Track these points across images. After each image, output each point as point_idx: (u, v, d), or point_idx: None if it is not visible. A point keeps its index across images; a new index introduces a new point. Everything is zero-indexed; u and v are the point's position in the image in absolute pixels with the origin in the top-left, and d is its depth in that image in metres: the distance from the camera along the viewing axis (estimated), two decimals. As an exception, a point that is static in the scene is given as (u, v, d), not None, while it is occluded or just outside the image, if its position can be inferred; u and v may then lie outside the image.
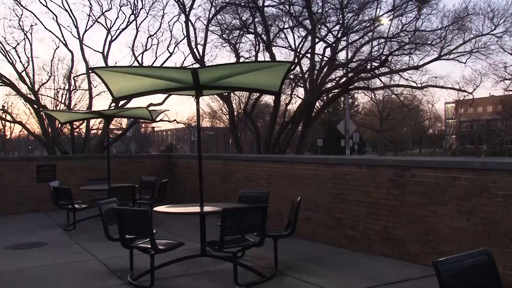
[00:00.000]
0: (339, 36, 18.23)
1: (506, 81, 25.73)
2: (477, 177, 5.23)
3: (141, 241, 5.37)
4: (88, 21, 31.94)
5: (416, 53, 18.75)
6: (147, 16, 28.40)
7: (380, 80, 19.65)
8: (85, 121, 20.01)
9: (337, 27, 18.23)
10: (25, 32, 22.05)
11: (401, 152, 51.94)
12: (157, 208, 6.06)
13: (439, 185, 5.63)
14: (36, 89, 22.57)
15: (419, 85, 19.44)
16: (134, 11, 21.27)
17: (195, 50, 18.31)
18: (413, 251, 5.93)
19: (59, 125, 21.04)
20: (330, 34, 18.35)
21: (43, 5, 29.94)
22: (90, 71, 17.06)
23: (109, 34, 21.38)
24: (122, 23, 21.96)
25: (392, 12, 17.88)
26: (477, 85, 27.30)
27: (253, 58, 18.06)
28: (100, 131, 22.62)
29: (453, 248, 5.36)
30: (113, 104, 16.43)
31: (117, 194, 8.15)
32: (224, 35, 18.43)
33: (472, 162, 5.51)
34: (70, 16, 26.61)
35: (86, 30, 23.28)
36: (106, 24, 21.78)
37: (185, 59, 34.32)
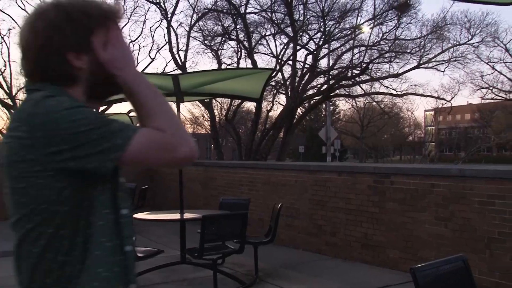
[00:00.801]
0: (320, 43, 18.40)
1: (483, 90, 26.27)
2: (455, 184, 5.30)
3: (119, 249, 5.30)
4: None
5: (396, 61, 19.04)
6: (128, 21, 28.15)
7: (361, 87, 19.87)
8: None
9: (319, 35, 18.42)
10: (2, 36, 21.78)
11: (381, 159, 52.48)
12: (137, 215, 6.00)
13: (418, 192, 5.69)
14: (13, 94, 22.25)
15: (399, 93, 19.72)
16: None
17: (176, 56, 18.27)
18: (393, 258, 5.97)
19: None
20: (311, 41, 18.52)
21: (21, 8, 29.43)
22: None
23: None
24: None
25: (373, 20, 18.12)
26: (455, 93, 27.80)
27: (235, 65, 18.10)
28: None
29: (431, 254, 5.41)
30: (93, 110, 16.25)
31: (96, 201, 8.03)
32: (206, 42, 18.45)
33: (449, 169, 5.59)
34: (50, 21, 26.18)
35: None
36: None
37: (166, 65, 34.28)
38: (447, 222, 5.35)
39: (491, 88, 26.70)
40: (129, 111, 18.44)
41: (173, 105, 6.05)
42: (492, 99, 29.33)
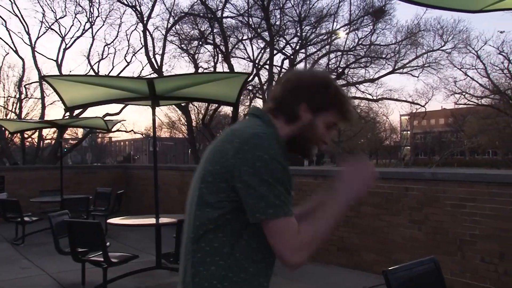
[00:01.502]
0: (297, 48, 18.51)
1: (456, 95, 26.78)
2: (428, 187, 5.39)
3: (93, 254, 5.23)
4: (40, 28, 30.94)
5: (372, 66, 19.30)
6: (103, 25, 27.69)
7: (337, 92, 19.99)
8: (37, 130, 19.39)
9: (295, 40, 18.53)
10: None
11: (358, 163, 52.89)
12: (111, 220, 5.93)
13: (392, 196, 5.76)
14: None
15: (374, 98, 19.96)
16: (90, 19, 20.87)
17: (153, 60, 18.15)
18: (368, 261, 6.03)
19: (9, 135, 20.30)
20: (288, 46, 18.62)
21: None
22: (42, 79, 16.55)
23: (64, 41, 20.87)
24: (77, 30, 21.46)
25: (349, 26, 18.34)
26: (429, 98, 28.24)
27: (212, 69, 18.07)
28: (54, 141, 21.97)
29: (405, 257, 5.47)
30: (67, 114, 16.01)
31: (70, 206, 7.92)
32: (182, 46, 18.37)
33: (423, 173, 5.68)
34: (21, 22, 25.71)
35: (38, 37, 22.62)
36: (60, 32, 21.22)
37: (143, 69, 33.80)
38: (421, 225, 5.43)
39: (463, 93, 27.26)
40: (103, 116, 18.25)
41: (150, 109, 6.00)
42: (465, 104, 29.94)
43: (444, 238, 5.17)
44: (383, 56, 18.77)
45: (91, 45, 21.78)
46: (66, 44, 20.93)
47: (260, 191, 1.42)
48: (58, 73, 19.01)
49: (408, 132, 58.80)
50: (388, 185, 5.81)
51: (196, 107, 22.88)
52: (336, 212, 1.52)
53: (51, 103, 22.78)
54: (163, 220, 5.84)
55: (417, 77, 20.30)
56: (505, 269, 4.62)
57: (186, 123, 20.17)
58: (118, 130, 22.24)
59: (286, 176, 1.47)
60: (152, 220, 5.91)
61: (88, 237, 5.04)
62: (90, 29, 21.04)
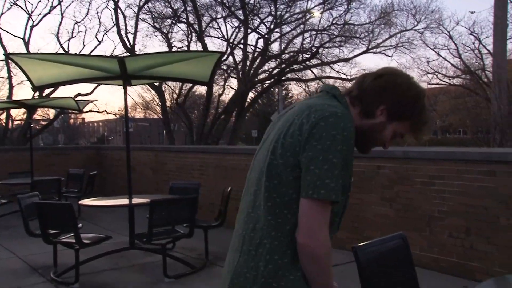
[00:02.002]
0: (271, 27, 18.38)
1: (429, 75, 27.15)
2: (399, 165, 5.47)
3: (65, 236, 5.17)
4: (5, 3, 29.96)
5: (346, 46, 19.30)
6: (73, 1, 26.97)
7: (312, 71, 20.05)
8: (5, 111, 18.89)
9: (270, 18, 18.38)
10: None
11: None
12: (83, 201, 5.87)
13: (365, 174, 5.84)
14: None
15: (349, 77, 20.04)
16: (58, -5, 20.16)
17: (125, 38, 17.78)
18: (341, 238, 6.11)
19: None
20: (262, 25, 18.46)
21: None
22: (8, 58, 16.01)
23: (30, 18, 20.17)
24: (45, 7, 20.70)
25: (323, 5, 18.27)
26: (403, 78, 28.48)
27: (186, 48, 17.81)
28: (23, 122, 21.44)
29: (377, 234, 5.58)
30: (36, 94, 15.62)
31: (41, 188, 7.78)
32: (155, 24, 18.03)
33: (394, 151, 5.75)
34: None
35: (2, 13, 21.70)
36: (26, 8, 20.48)
37: (115, 48, 33.38)
38: (392, 202, 5.53)
39: (436, 73, 27.66)
40: (75, 96, 17.89)
41: (121, 89, 5.90)
42: (437, 84, 30.40)
43: (414, 215, 5.29)
44: (357, 35, 18.81)
45: (60, 22, 21.23)
46: (33, 22, 20.28)
47: (320, 169, 1.41)
48: (26, 51, 18.45)
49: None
50: (361, 164, 5.87)
51: (170, 87, 22.63)
52: (326, 280, 1.53)
53: (19, 83, 22.12)
54: (136, 200, 5.81)
55: (391, 56, 20.50)
56: (471, 243, 4.76)
57: (160, 104, 19.94)
58: (90, 111, 21.88)
59: (351, 161, 1.48)
60: (125, 201, 5.87)
61: (59, 219, 4.98)
62: (59, 6, 20.41)
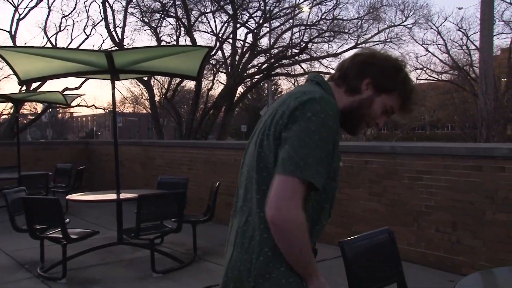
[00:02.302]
0: (260, 22, 18.34)
1: (417, 70, 27.29)
2: (387, 160, 5.50)
3: (52, 231, 5.13)
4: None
5: (335, 41, 19.33)
6: (59, -5, 26.60)
7: (301, 66, 20.04)
8: (-8, 105, 18.66)
9: (259, 13, 18.33)
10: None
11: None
12: (70, 196, 5.83)
13: (353, 169, 5.86)
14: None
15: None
16: (46, -12, 19.94)
17: (113, 32, 17.62)
18: (330, 233, 6.11)
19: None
20: (252, 20, 18.41)
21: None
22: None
23: (17, 11, 19.90)
24: (31, 0, 20.34)
25: (312, 0, 18.26)
26: (392, 73, 28.67)
27: (175, 43, 17.71)
28: (10, 116, 21.20)
29: (365, 228, 5.60)
30: (23, 88, 15.44)
31: (28, 183, 7.70)
32: (144, 18, 17.89)
33: (382, 146, 5.79)
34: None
35: (-13, 7, 21.36)
36: (12, 1, 20.20)
37: (103, 42, 32.97)
38: (380, 197, 5.56)
39: (424, 69, 27.82)
40: (63, 90, 17.72)
41: (108, 82, 5.85)
42: (426, 79, 30.59)
43: (402, 210, 5.32)
44: (346, 30, 18.85)
45: (48, 16, 20.99)
46: (20, 15, 20.01)
47: (293, 148, 1.41)
48: (12, 45, 18.21)
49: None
50: (349, 159, 5.90)
51: (159, 81, 22.55)
52: (307, 266, 1.50)
53: (6, 77, 21.85)
54: (124, 195, 5.78)
55: (380, 52, 20.44)
56: (457, 238, 4.80)
57: (149, 98, 19.82)
58: (78, 105, 21.67)
59: (330, 146, 1.46)
60: (113, 196, 5.84)
61: (46, 214, 4.93)
62: (46, -1, 20.17)
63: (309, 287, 1.51)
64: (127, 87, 35.47)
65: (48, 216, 4.93)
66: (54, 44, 19.89)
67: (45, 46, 18.43)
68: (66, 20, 21.29)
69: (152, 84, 19.14)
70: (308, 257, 1.49)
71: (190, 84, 26.14)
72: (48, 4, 20.58)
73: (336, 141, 1.49)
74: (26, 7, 20.34)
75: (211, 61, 17.39)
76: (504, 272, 2.75)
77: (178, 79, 17.91)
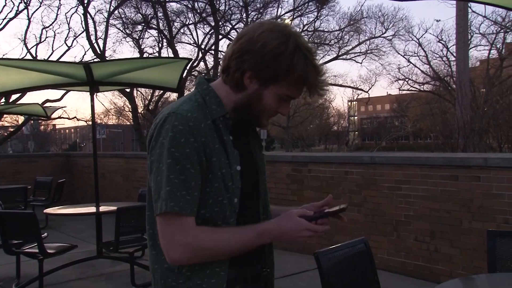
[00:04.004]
0: (244, 33, 18.43)
1: (400, 81, 27.64)
2: (366, 170, 5.54)
3: (29, 246, 5.05)
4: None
5: (317, 52, 19.51)
6: (40, 6, 26.41)
7: (284, 78, 20.12)
8: (-30, 117, 18.37)
9: (241, 25, 18.43)
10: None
11: (307, 148, 53.73)
12: (48, 210, 5.73)
13: (333, 179, 5.89)
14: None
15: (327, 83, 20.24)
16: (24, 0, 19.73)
17: (95, 44, 17.57)
18: (311, 244, 6.14)
19: None
20: (234, 31, 18.50)
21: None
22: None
23: (-5, 22, 19.72)
24: (10, 11, 20.19)
25: (293, 12, 18.44)
26: (372, 84, 29.03)
27: (157, 54, 17.70)
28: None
29: (346, 238, 5.59)
30: (3, 100, 15.25)
31: (5, 197, 7.57)
32: (126, 30, 17.87)
33: (362, 157, 5.82)
34: None
35: (-35, 17, 21.13)
36: (-11, 12, 19.94)
37: (85, 53, 32.78)
38: (360, 207, 5.59)
39: (407, 79, 28.21)
40: (43, 102, 17.54)
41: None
42: (408, 90, 30.98)
43: (381, 219, 5.35)
44: (327, 42, 19.05)
45: (27, 27, 20.76)
46: (-2, 26, 19.80)
47: (156, 182, 1.36)
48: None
49: (356, 117, 60.25)
50: (329, 169, 5.93)
51: (142, 93, 22.44)
52: (249, 242, 1.41)
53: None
54: (103, 208, 5.71)
55: (361, 63, 20.80)
56: (435, 246, 4.85)
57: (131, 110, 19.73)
58: (60, 117, 21.47)
59: (195, 163, 1.33)
60: (92, 209, 5.77)
61: (21, 229, 4.84)
62: (26, 10, 19.98)
63: (272, 239, 1.46)
64: (109, 98, 35.27)
65: (24, 231, 4.84)
66: (34, 55, 19.71)
67: (24, 57, 18.26)
68: (46, 31, 21.17)
69: (134, 95, 19.09)
70: (240, 239, 1.39)
71: (173, 96, 26.07)
72: (28, 15, 20.38)
73: (209, 152, 1.36)
74: (5, 18, 20.17)
75: (193, 73, 17.40)
76: (483, 279, 2.77)
77: (161, 91, 17.87)
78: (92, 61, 15.85)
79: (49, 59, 18.33)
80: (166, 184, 1.32)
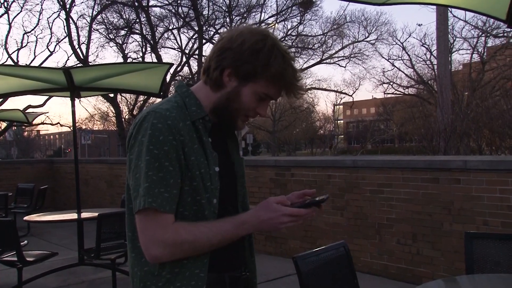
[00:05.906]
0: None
1: (384, 85, 27.88)
2: (349, 174, 5.56)
3: (8, 254, 4.96)
4: None
5: (301, 57, 19.63)
6: (21, 11, 26.14)
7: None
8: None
9: (225, 29, 18.46)
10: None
11: (294, 152, 53.83)
12: (29, 217, 5.65)
13: (316, 183, 5.90)
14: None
15: (304, 87, 20.33)
16: (5, 4, 19.48)
17: (78, 49, 17.43)
18: (294, 248, 6.15)
19: None
20: (217, 35, 18.51)
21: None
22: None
23: (-26, 27, 19.51)
24: (-10, 16, 19.89)
25: (277, 16, 18.51)
26: (356, 88, 29.30)
27: (141, 59, 17.62)
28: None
29: (328, 242, 5.61)
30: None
31: (-14, 204, 7.47)
32: (110, 35, 17.77)
33: (344, 160, 5.85)
34: None
35: None
36: (-33, 16, 19.73)
37: (68, 59, 32.55)
38: (343, 211, 5.61)
39: (391, 83, 28.46)
40: (25, 108, 17.35)
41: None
42: (392, 93, 31.25)
43: (364, 223, 5.37)
44: (311, 46, 19.16)
45: (8, 32, 20.59)
46: (-23, 31, 19.59)
47: (134, 179, 1.36)
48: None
49: (342, 121, 60.57)
50: (312, 173, 5.94)
51: (126, 98, 22.29)
52: (228, 233, 1.41)
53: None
54: (85, 214, 5.65)
55: (344, 67, 20.95)
56: (417, 249, 4.88)
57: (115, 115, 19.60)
58: (42, 123, 21.27)
59: (173, 160, 1.35)
60: (73, 215, 5.70)
61: (0, 237, 4.77)
62: (6, 14, 19.77)
63: (252, 230, 1.45)
64: (93, 104, 35.02)
65: (3, 239, 4.76)
66: (15, 61, 19.49)
67: (5, 63, 18.05)
68: (28, 36, 20.93)
69: (119, 101, 18.97)
70: (219, 231, 1.39)
71: (157, 101, 26.00)
72: (8, 20, 20.16)
73: (187, 151, 1.38)
74: (-15, 23, 19.91)
75: (176, 77, 17.36)
76: (465, 280, 2.79)
77: (145, 96, 17.79)
78: (72, 66, 15.75)
79: (31, 64, 18.18)
80: (144, 181, 1.33)
